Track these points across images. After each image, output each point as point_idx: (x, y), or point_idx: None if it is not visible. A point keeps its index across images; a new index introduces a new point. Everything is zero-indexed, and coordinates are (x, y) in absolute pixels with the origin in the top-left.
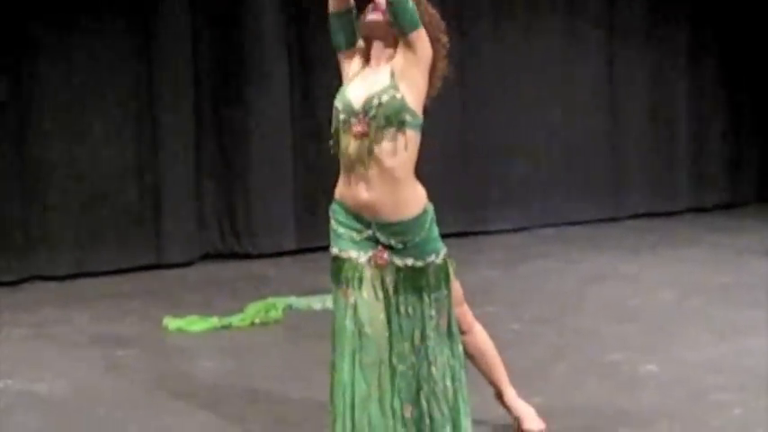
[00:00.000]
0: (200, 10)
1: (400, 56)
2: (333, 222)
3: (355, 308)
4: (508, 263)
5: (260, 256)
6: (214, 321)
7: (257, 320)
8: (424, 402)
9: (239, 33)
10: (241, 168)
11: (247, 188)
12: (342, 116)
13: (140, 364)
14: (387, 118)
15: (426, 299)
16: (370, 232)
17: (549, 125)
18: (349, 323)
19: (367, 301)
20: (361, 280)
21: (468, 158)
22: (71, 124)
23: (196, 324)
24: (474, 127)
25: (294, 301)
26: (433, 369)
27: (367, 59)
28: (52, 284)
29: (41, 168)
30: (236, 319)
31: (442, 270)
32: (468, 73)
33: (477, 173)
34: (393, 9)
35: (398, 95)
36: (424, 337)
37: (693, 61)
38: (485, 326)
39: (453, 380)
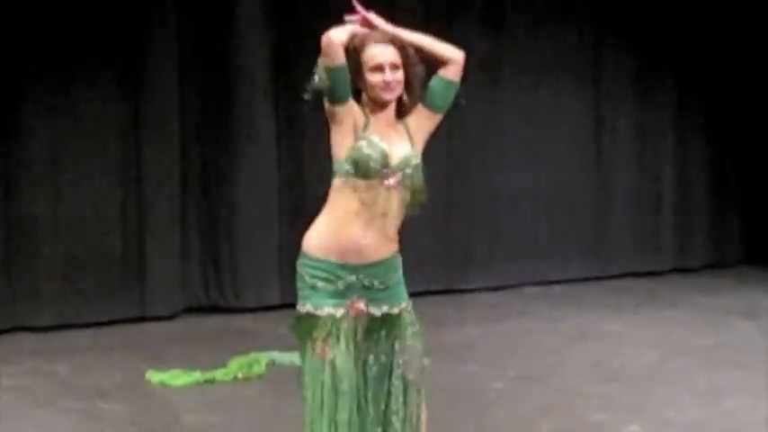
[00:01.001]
0: (188, 62)
1: (415, 119)
2: (307, 278)
3: (333, 365)
4: (491, 321)
5: (244, 310)
6: (197, 375)
7: (240, 375)
8: None
9: (226, 85)
10: (226, 222)
11: (232, 242)
12: (373, 166)
13: (123, 418)
14: (413, 182)
15: (398, 346)
16: (353, 278)
17: (534, 183)
18: (327, 380)
19: (344, 357)
20: (338, 336)
21: (452, 216)
22: (55, 176)
23: (179, 378)
24: (458, 184)
25: (277, 356)
26: (394, 418)
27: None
28: (34, 336)
29: (25, 220)
30: (219, 374)
31: (412, 322)
32: (453, 130)
33: (461, 230)
34: (442, 92)
35: (419, 160)
36: (390, 385)
37: (679, 121)
38: (467, 384)
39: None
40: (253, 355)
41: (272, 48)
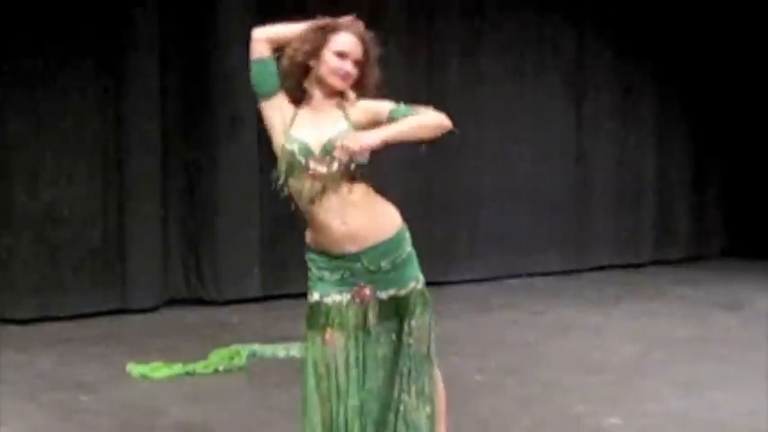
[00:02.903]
0: (170, 57)
1: (357, 113)
2: (314, 270)
3: (342, 351)
4: (472, 313)
5: (225, 302)
6: (178, 368)
7: (221, 367)
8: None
9: (208, 79)
10: (207, 214)
11: (213, 234)
12: (299, 159)
13: (103, 411)
14: (349, 160)
15: (406, 327)
16: (357, 265)
17: (515, 176)
18: (338, 366)
19: (353, 343)
20: (343, 323)
21: (434, 209)
22: (35, 167)
23: (160, 370)
24: (440, 178)
25: (258, 348)
26: (405, 396)
27: (296, 102)
28: (14, 328)
29: (5, 211)
30: (200, 366)
31: (422, 296)
32: None
33: (443, 224)
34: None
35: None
36: (399, 364)
37: (660, 114)
38: (449, 377)
39: (429, 406)
40: (234, 348)
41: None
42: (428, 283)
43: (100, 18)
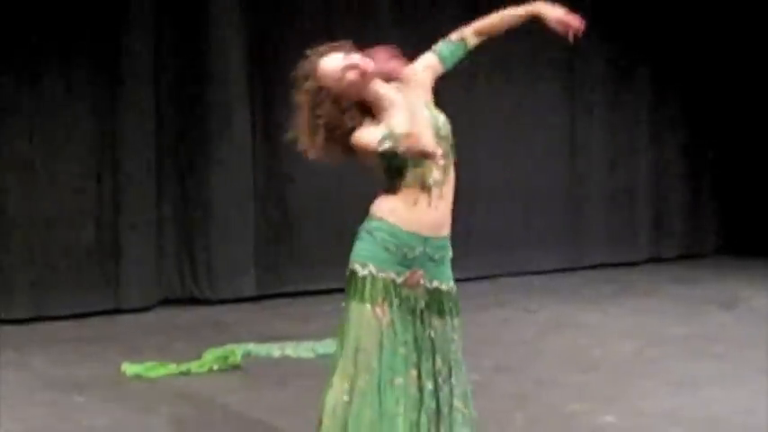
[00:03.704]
0: (164, 58)
1: (419, 80)
2: (379, 239)
3: (393, 327)
4: (467, 311)
5: (219, 301)
6: (172, 367)
7: (216, 367)
8: (446, 424)
9: (202, 82)
10: (201, 213)
11: (207, 233)
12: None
13: (98, 410)
14: (452, 143)
15: (450, 322)
16: (421, 249)
17: (510, 174)
18: (386, 342)
19: (401, 323)
20: (398, 300)
21: None
22: (29, 167)
23: (154, 370)
24: None
25: (253, 347)
26: (456, 391)
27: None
28: (9, 328)
29: None
30: (194, 366)
31: (457, 297)
32: None
33: None
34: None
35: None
36: (445, 361)
37: (654, 111)
38: None
39: (468, 406)
40: (228, 347)
41: (248, 45)
42: None
43: (95, 19)
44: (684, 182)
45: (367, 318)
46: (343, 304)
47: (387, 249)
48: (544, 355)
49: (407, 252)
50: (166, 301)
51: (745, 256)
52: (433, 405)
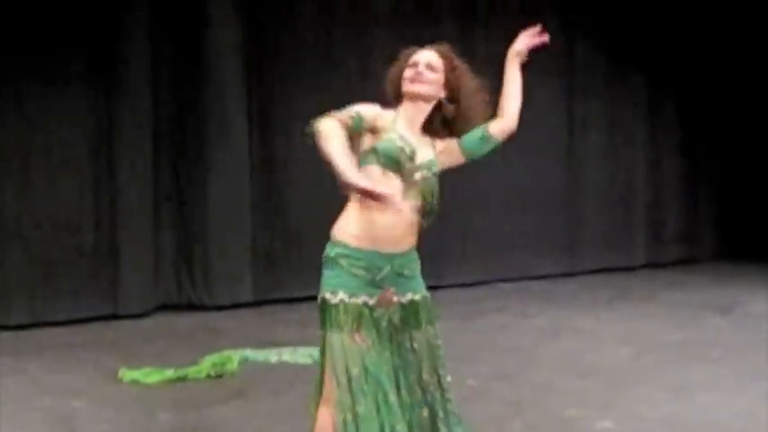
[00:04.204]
0: (161, 62)
1: (442, 144)
2: (344, 265)
3: (372, 351)
4: (464, 317)
5: (216, 307)
6: (170, 373)
7: (213, 373)
8: (442, 428)
9: (199, 87)
10: (198, 220)
11: (205, 240)
12: (404, 159)
13: (95, 416)
14: (430, 187)
15: (430, 330)
16: (389, 267)
17: (508, 181)
18: (369, 366)
19: (380, 344)
20: (373, 324)
21: None
22: (28, 173)
23: (151, 376)
24: None
25: (250, 353)
26: (448, 395)
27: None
28: (5, 334)
29: None
30: (191, 372)
31: (432, 303)
32: None
33: (435, 227)
34: (479, 141)
35: (437, 170)
36: (434, 368)
37: (651, 118)
38: None
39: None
40: (225, 353)
41: (244, 47)
42: None
43: (91, 22)
44: (681, 187)
45: (348, 346)
46: (320, 332)
47: (354, 275)
48: (541, 360)
49: (375, 273)
50: (164, 307)
51: (742, 262)
52: (426, 414)
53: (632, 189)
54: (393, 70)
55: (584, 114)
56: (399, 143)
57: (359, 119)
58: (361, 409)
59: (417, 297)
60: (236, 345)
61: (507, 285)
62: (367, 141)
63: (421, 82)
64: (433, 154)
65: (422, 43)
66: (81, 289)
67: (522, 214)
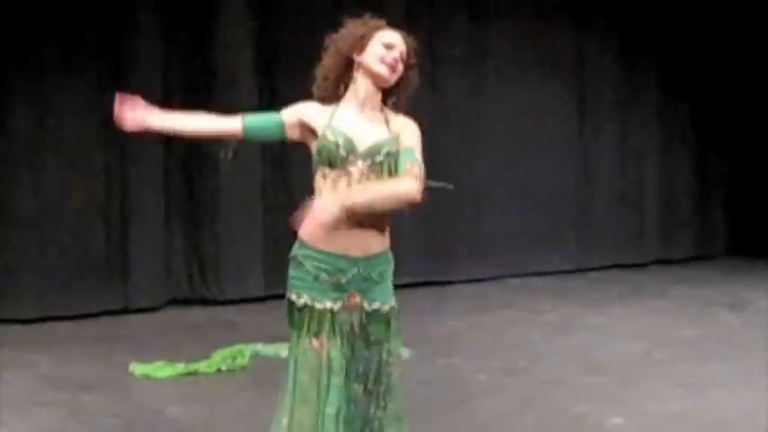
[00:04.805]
0: (171, 58)
1: (397, 127)
2: (310, 269)
3: (329, 359)
4: (475, 313)
5: (227, 302)
6: (180, 367)
7: (224, 367)
8: None
9: (210, 82)
10: (209, 214)
11: (216, 234)
12: (342, 153)
13: (105, 410)
14: (389, 168)
15: (386, 345)
16: (354, 270)
17: (518, 176)
18: (321, 374)
19: (339, 352)
20: (335, 330)
21: (436, 208)
22: (39, 169)
23: (162, 370)
24: (441, 177)
25: (261, 347)
26: (380, 413)
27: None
28: (16, 328)
29: (8, 212)
30: (202, 366)
31: (398, 320)
32: (437, 124)
33: (445, 223)
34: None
35: (396, 149)
36: (377, 381)
37: (663, 114)
38: (451, 376)
39: (400, 429)
40: (236, 347)
41: (255, 45)
42: (430, 284)
43: (102, 21)
44: (693, 184)
45: (305, 351)
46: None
47: (318, 279)
48: (552, 356)
49: (340, 277)
50: (175, 302)
51: (754, 258)
52: (353, 426)
53: (644, 185)
54: (352, 32)
55: (595, 112)
56: (332, 138)
57: (278, 127)
58: (298, 415)
59: (385, 307)
60: (247, 339)
61: (517, 281)
62: (312, 145)
63: (396, 71)
64: (386, 132)
65: (432, 37)
66: (92, 283)
67: (533, 210)
